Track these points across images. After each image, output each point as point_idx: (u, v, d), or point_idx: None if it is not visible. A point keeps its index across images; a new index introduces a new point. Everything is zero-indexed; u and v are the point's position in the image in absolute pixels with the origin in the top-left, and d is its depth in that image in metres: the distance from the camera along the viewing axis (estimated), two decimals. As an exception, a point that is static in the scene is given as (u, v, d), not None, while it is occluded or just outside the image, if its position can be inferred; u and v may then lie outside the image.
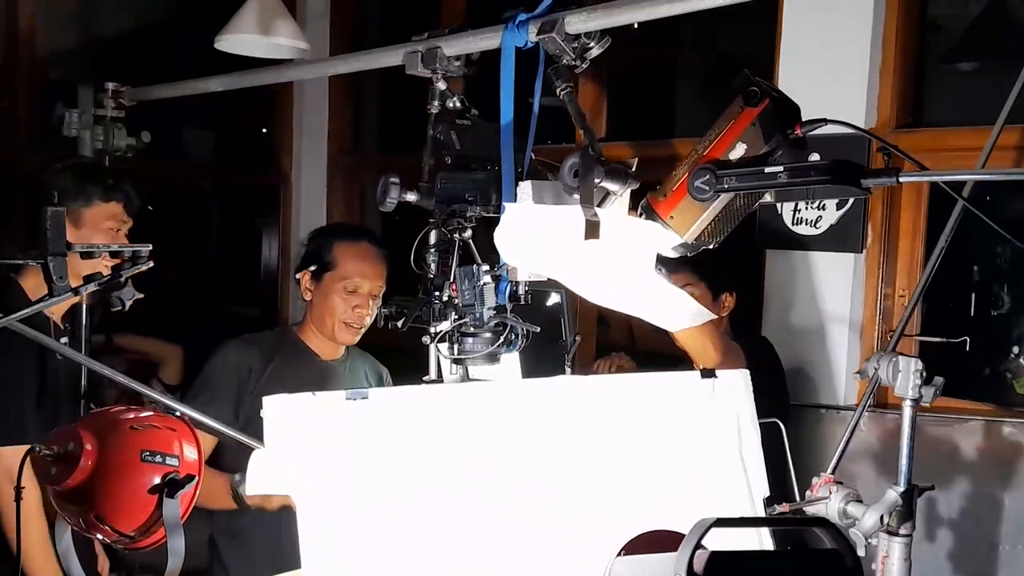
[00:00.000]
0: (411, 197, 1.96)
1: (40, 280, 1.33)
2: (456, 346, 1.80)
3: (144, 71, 3.37)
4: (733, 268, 2.47)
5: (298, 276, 2.40)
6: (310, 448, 1.34)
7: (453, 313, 1.83)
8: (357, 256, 2.37)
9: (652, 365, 3.16)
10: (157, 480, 1.22)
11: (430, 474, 1.40)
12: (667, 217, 1.56)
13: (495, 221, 1.88)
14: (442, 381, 1.79)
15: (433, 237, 1.91)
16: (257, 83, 2.43)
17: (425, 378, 2.39)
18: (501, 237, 1.65)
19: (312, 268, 2.37)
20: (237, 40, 3.04)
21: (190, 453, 1.26)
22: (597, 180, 1.56)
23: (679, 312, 1.69)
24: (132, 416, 1.26)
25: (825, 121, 1.49)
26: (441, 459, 1.42)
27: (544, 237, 1.63)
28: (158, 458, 1.22)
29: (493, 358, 1.86)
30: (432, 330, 1.85)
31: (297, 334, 2.43)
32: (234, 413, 2.25)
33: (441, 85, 1.97)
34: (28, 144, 3.37)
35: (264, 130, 4.17)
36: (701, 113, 4.16)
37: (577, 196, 1.57)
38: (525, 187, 1.66)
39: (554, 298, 2.08)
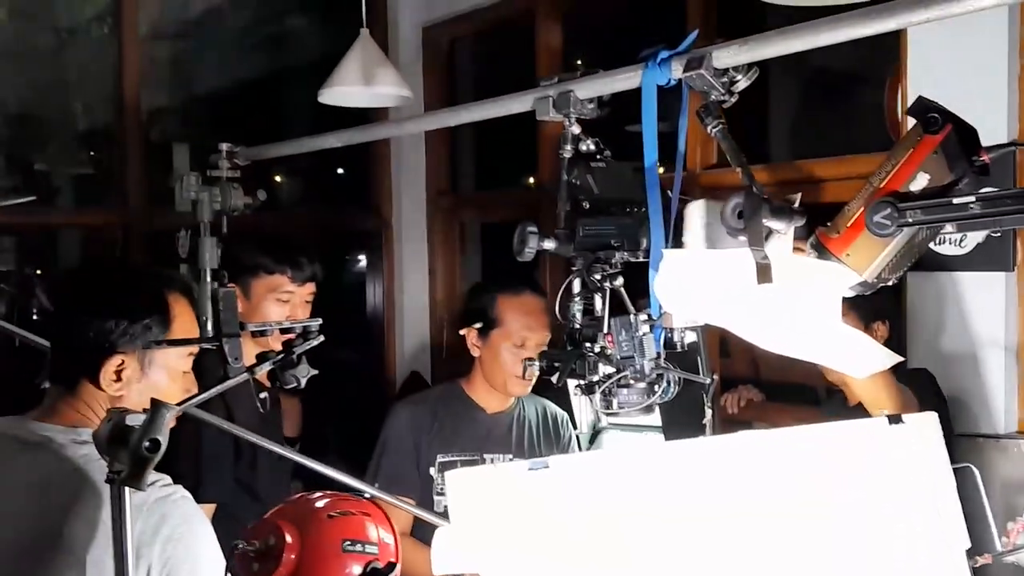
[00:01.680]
0: (549, 245, 1.91)
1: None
2: (613, 399, 1.74)
3: (249, 130, 3.42)
4: (884, 292, 2.35)
5: (462, 332, 2.38)
6: (495, 521, 1.29)
7: (605, 364, 1.77)
8: (522, 311, 2.34)
9: (779, 397, 3.05)
10: (359, 570, 1.17)
11: (619, 541, 1.33)
12: (842, 255, 1.47)
13: (636, 266, 1.82)
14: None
15: (576, 286, 1.86)
16: (377, 137, 2.43)
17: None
18: (660, 284, 1.58)
19: (478, 325, 2.34)
20: (341, 92, 3.06)
21: (387, 538, 1.22)
22: (764, 220, 1.48)
23: (866, 356, 1.60)
24: (326, 503, 1.22)
25: (1016, 144, 1.39)
26: (630, 525, 1.35)
27: (707, 282, 1.56)
28: (359, 547, 1.19)
29: (649, 409, 1.80)
30: (582, 383, 1.80)
31: (464, 389, 2.42)
32: (419, 477, 2.25)
33: (575, 129, 1.91)
34: (140, 208, 3.43)
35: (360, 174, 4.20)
36: (799, 135, 4.03)
37: (742, 238, 1.50)
38: (696, 208, 1.57)
39: (690, 336, 2.01)
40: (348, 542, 1.18)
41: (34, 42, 3.85)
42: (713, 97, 1.65)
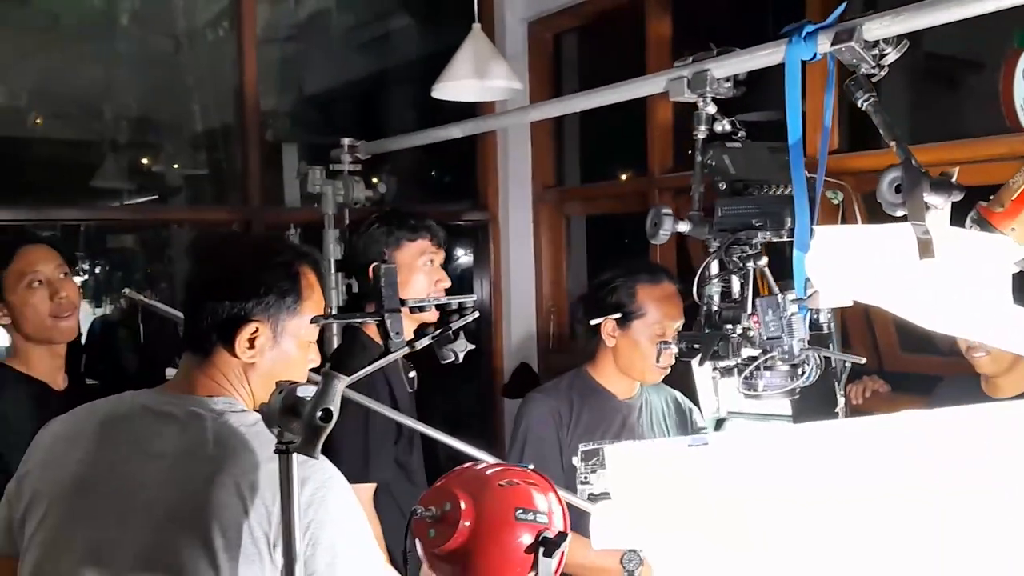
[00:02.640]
0: (683, 227, 1.90)
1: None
2: (758, 382, 1.71)
3: (360, 127, 3.49)
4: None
5: (595, 322, 2.34)
6: (654, 497, 1.29)
7: (747, 347, 1.75)
8: (663, 299, 2.32)
9: (905, 388, 2.95)
10: (531, 539, 1.18)
11: (780, 517, 1.31)
12: (1007, 229, 1.43)
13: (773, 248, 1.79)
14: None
15: (715, 267, 1.84)
16: (497, 126, 2.44)
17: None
18: (813, 261, 1.56)
19: (617, 316, 2.32)
20: (454, 87, 3.09)
21: (556, 509, 1.23)
22: (923, 194, 1.44)
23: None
24: (495, 472, 1.23)
25: None
26: (791, 502, 1.33)
27: (861, 259, 1.53)
28: (530, 516, 1.19)
29: (792, 393, 1.77)
30: (722, 365, 1.78)
31: (592, 376, 2.40)
32: (562, 466, 2.25)
33: (711, 109, 1.90)
34: (259, 205, 3.53)
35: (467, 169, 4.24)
36: (914, 119, 3.91)
37: (900, 212, 1.47)
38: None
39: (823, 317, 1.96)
40: (520, 510, 1.18)
41: (154, 46, 4.00)
42: (863, 70, 1.62)
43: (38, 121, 3.89)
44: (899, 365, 3.01)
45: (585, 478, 2.21)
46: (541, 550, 1.16)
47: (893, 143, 1.53)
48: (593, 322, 2.33)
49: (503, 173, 4.05)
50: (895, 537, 1.40)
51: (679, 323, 2.31)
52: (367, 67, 4.53)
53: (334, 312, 2.71)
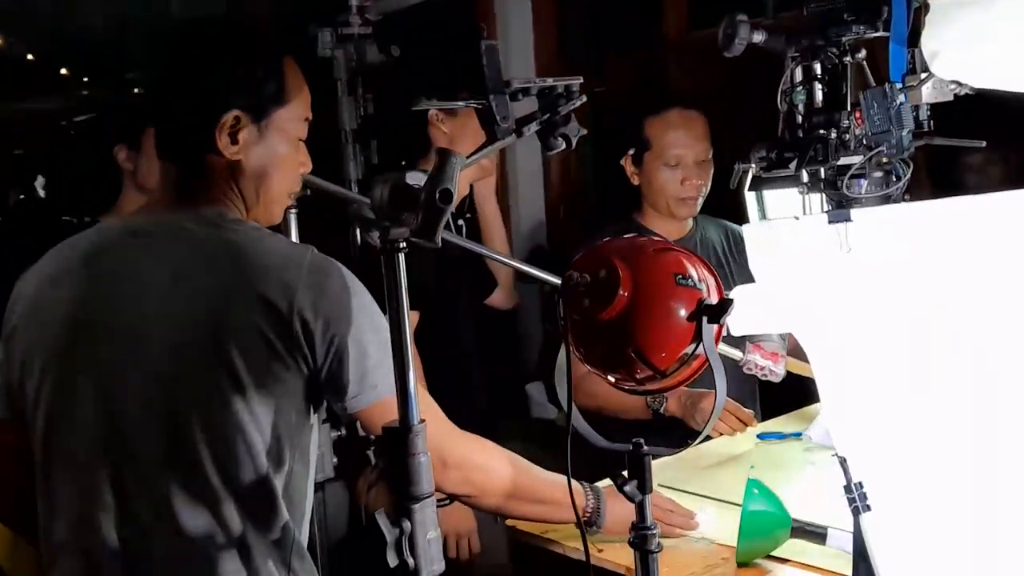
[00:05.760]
0: (758, 38, 1.77)
1: None
2: (846, 190, 1.62)
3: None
4: None
5: (621, 163, 2.34)
6: (796, 276, 1.19)
7: (843, 152, 1.65)
8: (670, 127, 2.27)
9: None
10: (689, 309, 1.07)
11: (928, 300, 1.22)
12: None
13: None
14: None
15: (799, 74, 1.72)
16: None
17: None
18: (929, 40, 1.44)
19: (631, 152, 2.29)
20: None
21: (709, 279, 1.12)
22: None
23: None
24: (644, 239, 1.12)
25: None
26: (942, 283, 1.23)
27: (977, 36, 1.41)
28: (690, 282, 1.08)
29: (888, 199, 1.67)
30: (821, 171, 1.68)
31: (640, 221, 2.37)
32: None
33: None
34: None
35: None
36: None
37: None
38: None
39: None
40: (679, 276, 1.08)
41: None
42: None
43: None
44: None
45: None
46: (705, 317, 1.06)
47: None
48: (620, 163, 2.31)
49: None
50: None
51: (700, 150, 2.28)
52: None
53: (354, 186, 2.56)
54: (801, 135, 1.68)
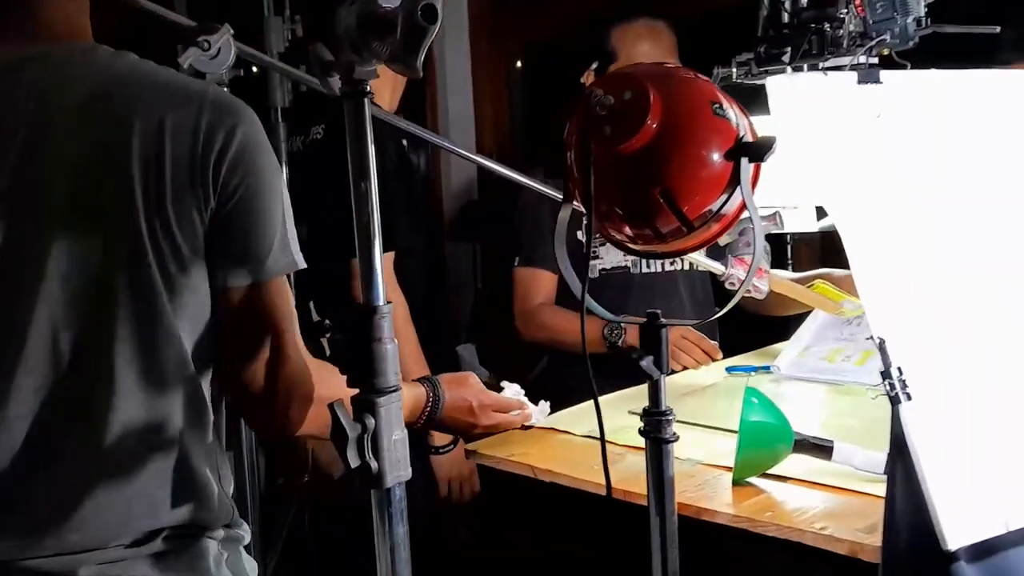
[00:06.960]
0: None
1: None
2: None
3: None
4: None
5: (582, 80, 2.19)
6: (822, 134, 1.04)
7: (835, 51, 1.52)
8: (638, 38, 2.13)
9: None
10: (724, 149, 0.90)
11: (970, 173, 1.09)
12: None
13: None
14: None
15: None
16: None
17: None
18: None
19: (594, 66, 2.15)
20: None
21: (744, 119, 0.95)
22: None
23: None
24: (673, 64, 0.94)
25: None
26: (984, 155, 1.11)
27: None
28: (730, 114, 0.92)
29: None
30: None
31: None
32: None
33: None
34: None
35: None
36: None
37: None
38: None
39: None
40: (717, 105, 0.91)
41: None
42: None
43: None
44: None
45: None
46: (746, 155, 0.89)
47: None
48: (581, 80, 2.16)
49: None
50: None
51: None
52: None
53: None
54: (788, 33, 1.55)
